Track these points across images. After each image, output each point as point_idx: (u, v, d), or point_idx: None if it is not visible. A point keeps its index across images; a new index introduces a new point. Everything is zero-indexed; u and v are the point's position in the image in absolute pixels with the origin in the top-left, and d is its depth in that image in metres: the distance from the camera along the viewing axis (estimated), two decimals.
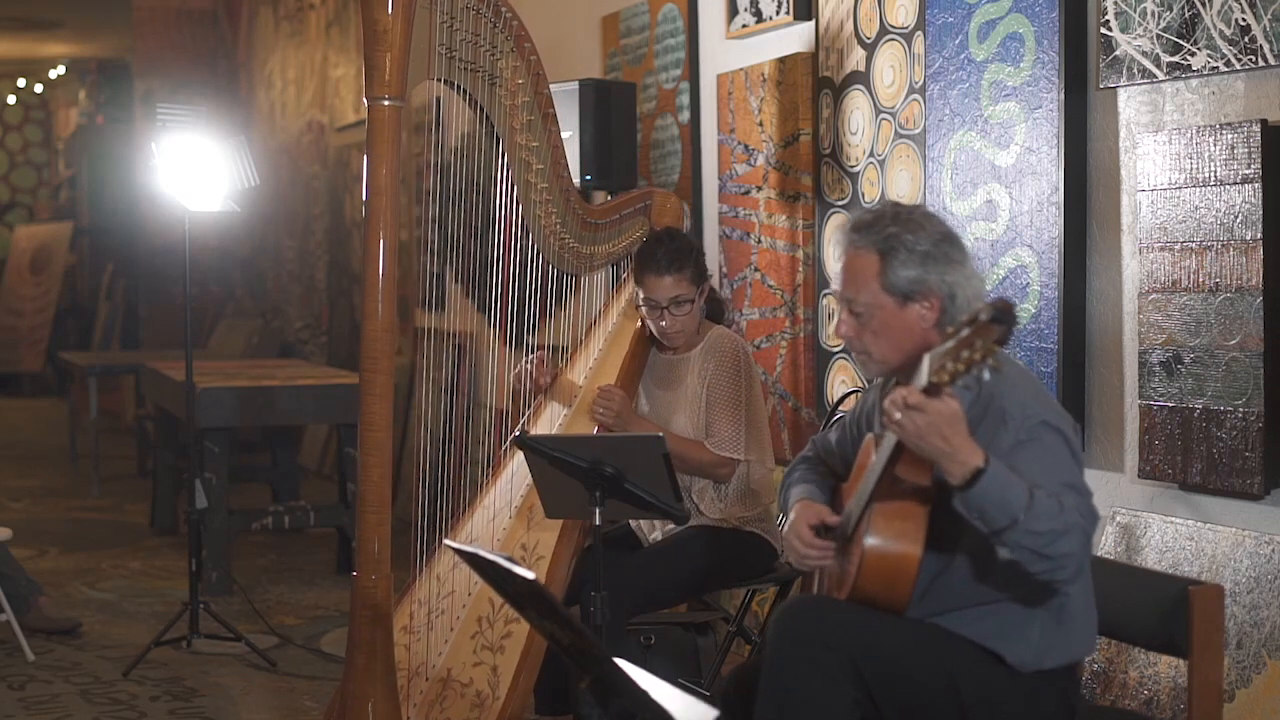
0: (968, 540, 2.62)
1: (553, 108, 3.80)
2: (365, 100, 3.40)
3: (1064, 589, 2.61)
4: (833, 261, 4.58)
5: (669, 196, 4.11)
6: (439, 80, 3.56)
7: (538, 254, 3.82)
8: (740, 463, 3.85)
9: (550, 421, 3.90)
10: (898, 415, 2.47)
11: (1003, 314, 2.31)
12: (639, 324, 3.95)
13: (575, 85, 4.88)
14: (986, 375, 2.36)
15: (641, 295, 3.85)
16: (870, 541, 2.63)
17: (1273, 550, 3.18)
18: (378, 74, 3.36)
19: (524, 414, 3.93)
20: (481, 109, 3.67)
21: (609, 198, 4.96)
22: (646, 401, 3.98)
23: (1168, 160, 3.40)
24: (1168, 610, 2.74)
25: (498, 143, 3.73)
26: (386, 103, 3.37)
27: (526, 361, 3.93)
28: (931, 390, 2.43)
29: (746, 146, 4.96)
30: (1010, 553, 2.51)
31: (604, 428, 3.77)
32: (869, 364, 2.79)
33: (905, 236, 2.68)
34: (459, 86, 3.61)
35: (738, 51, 5.08)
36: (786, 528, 2.92)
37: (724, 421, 3.82)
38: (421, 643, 3.64)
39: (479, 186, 3.84)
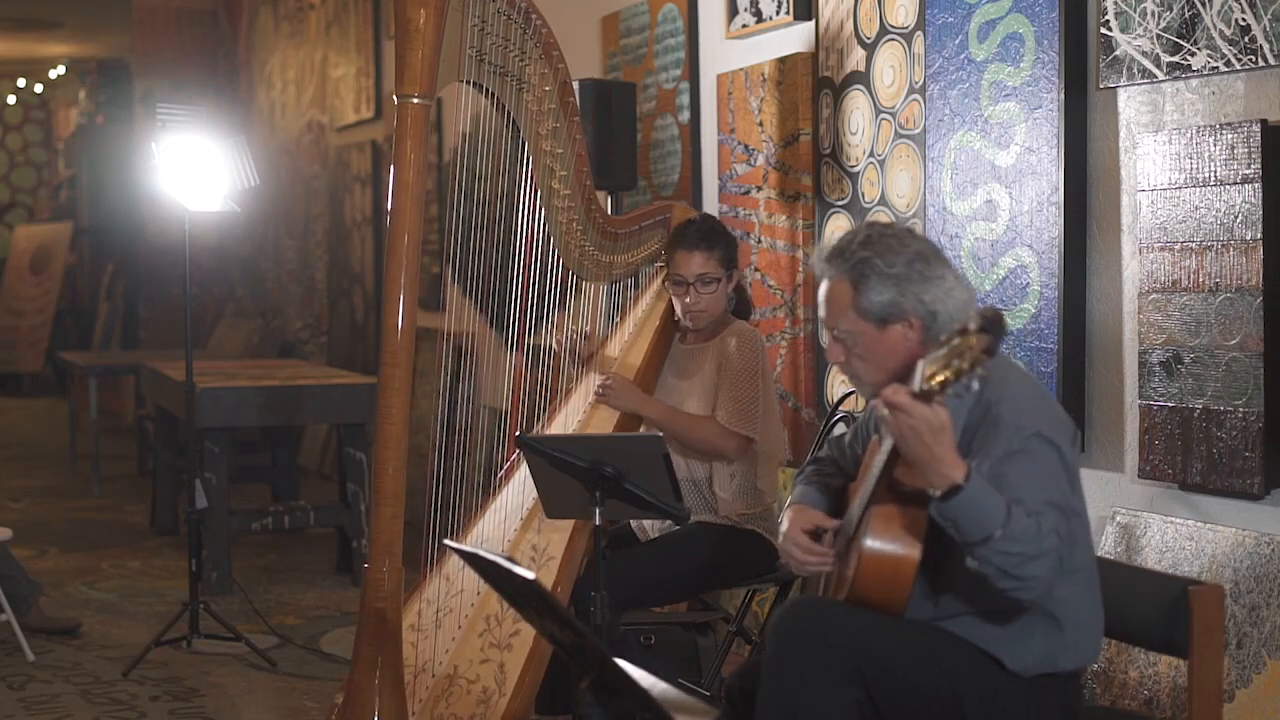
0: None
1: (578, 116, 3.84)
2: (395, 98, 3.42)
3: (1030, 606, 2.61)
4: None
5: (688, 210, 4.21)
6: (468, 83, 3.58)
7: (556, 259, 3.87)
8: (751, 443, 3.86)
9: (565, 422, 3.94)
10: (884, 412, 2.48)
11: (991, 324, 2.31)
12: (659, 325, 4.01)
13: (575, 85, 4.87)
14: (975, 385, 2.36)
15: (670, 274, 3.94)
16: (868, 544, 2.63)
17: (1273, 550, 3.18)
18: (408, 72, 3.39)
19: (539, 416, 3.97)
20: (508, 113, 3.71)
21: (609, 198, 4.97)
22: (663, 392, 4.01)
23: (1168, 160, 3.40)
24: (1168, 610, 2.74)
25: (522, 147, 3.76)
26: (415, 100, 3.40)
27: (551, 339, 4.02)
28: (923, 396, 2.43)
29: (746, 146, 4.96)
30: (978, 565, 2.51)
31: (611, 408, 3.86)
32: (860, 387, 2.83)
33: (875, 261, 2.69)
34: (487, 90, 3.64)
35: (738, 51, 5.08)
36: (781, 536, 2.92)
37: (737, 399, 3.84)
38: (429, 640, 3.65)
39: (501, 188, 3.86)
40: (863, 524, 2.67)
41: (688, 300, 3.91)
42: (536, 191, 3.78)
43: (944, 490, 2.47)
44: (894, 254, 2.69)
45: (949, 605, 2.69)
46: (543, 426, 3.94)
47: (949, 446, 2.47)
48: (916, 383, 2.43)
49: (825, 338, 2.81)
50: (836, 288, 2.74)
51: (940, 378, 2.37)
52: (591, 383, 3.97)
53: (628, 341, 4.05)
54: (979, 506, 2.47)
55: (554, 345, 4.02)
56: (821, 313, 2.80)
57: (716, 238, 3.92)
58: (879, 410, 2.52)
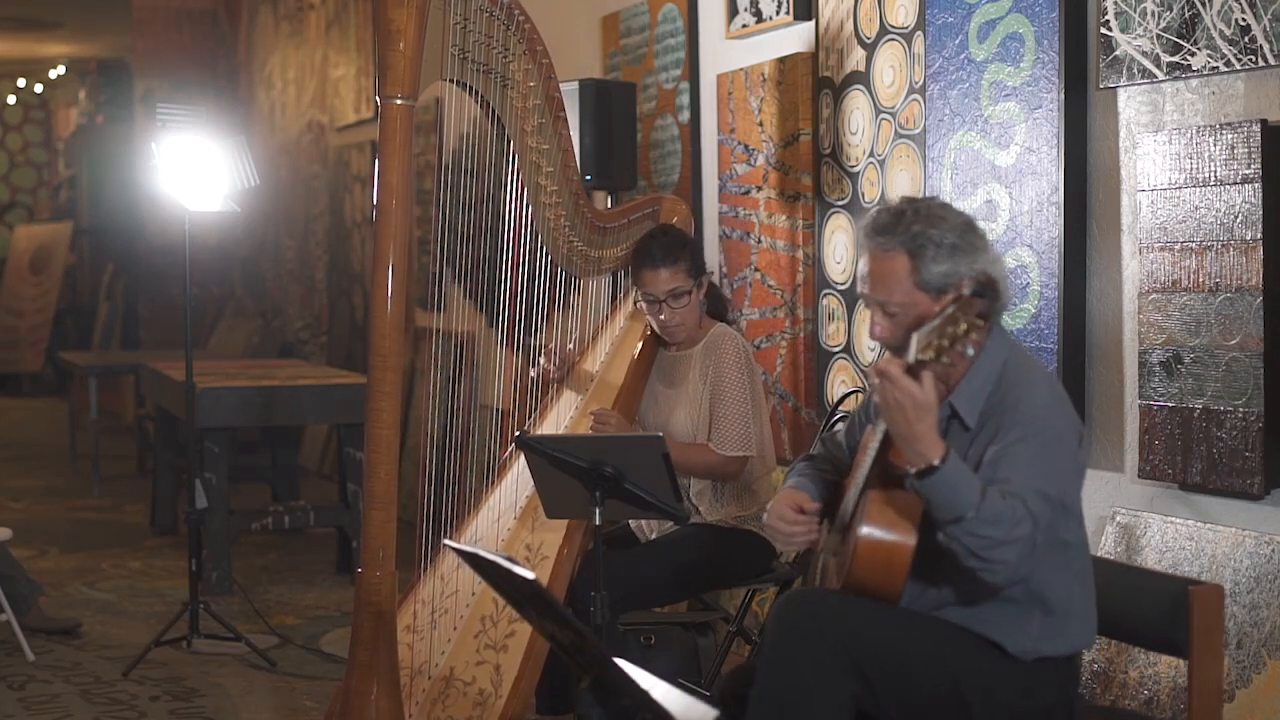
0: None
1: (564, 111, 3.80)
2: (377, 99, 3.40)
3: (1005, 586, 2.62)
4: (833, 262, 4.58)
5: (677, 202, 4.12)
6: (451, 81, 3.56)
7: (546, 256, 3.85)
8: (750, 459, 3.85)
9: (556, 423, 3.93)
10: (875, 380, 2.50)
11: (984, 287, 2.32)
12: (646, 326, 3.97)
13: (575, 85, 4.88)
14: (970, 351, 2.37)
15: (640, 292, 3.88)
16: (864, 531, 2.63)
17: (1273, 550, 3.18)
18: (390, 73, 3.36)
19: (530, 414, 3.95)
20: (493, 111, 3.68)
21: (609, 198, 4.97)
22: (652, 399, 3.99)
23: (1168, 160, 3.40)
24: (1168, 610, 2.74)
25: (508, 145, 3.74)
26: (398, 101, 3.37)
27: (539, 356, 3.98)
28: (914, 369, 2.44)
29: (746, 146, 4.96)
30: (946, 542, 2.53)
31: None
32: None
33: (930, 232, 2.67)
34: (471, 88, 3.62)
35: (738, 51, 5.08)
36: (766, 514, 2.93)
37: (731, 421, 3.82)
38: (424, 642, 3.64)
39: (487, 188, 3.85)
40: (858, 510, 2.68)
41: (662, 318, 3.86)
42: (523, 188, 3.77)
43: (920, 468, 2.49)
44: (946, 224, 2.68)
45: (948, 594, 2.70)
46: (535, 424, 3.93)
47: (930, 426, 2.49)
48: (911, 354, 2.44)
49: (871, 314, 2.73)
50: (891, 261, 2.69)
51: (934, 346, 2.37)
52: (579, 383, 3.96)
53: (617, 339, 4.03)
54: (954, 488, 2.49)
55: (542, 362, 3.99)
56: (867, 288, 2.73)
57: (680, 250, 3.84)
58: (872, 378, 2.53)
